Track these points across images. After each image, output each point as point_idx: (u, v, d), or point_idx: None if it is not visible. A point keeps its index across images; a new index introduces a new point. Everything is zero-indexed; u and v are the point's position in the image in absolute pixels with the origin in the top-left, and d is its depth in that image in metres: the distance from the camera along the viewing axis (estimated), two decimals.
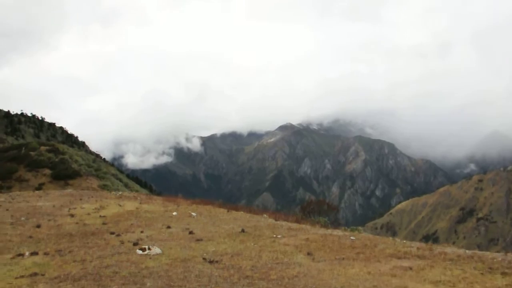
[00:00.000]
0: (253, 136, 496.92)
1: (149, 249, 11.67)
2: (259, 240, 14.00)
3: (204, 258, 11.02)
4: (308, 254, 11.66)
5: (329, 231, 16.90)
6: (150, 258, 11.04)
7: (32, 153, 70.50)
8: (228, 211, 23.69)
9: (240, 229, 16.04)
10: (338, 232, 16.34)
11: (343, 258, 11.10)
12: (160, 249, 11.93)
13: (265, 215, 22.95)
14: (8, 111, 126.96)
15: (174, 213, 22.39)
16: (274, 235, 14.85)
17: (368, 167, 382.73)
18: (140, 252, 11.59)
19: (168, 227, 17.24)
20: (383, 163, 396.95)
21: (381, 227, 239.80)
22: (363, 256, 11.28)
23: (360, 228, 26.93)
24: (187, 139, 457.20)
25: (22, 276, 9.45)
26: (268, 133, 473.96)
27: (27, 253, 12.20)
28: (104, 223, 19.16)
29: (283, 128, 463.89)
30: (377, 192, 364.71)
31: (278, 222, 19.77)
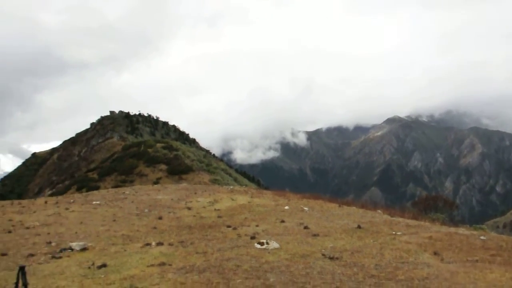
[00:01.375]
0: (359, 129, 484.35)
1: (267, 243, 11.72)
2: (378, 236, 13.39)
3: (323, 254, 10.78)
4: (435, 254, 10.85)
5: (453, 229, 15.66)
6: (269, 252, 11.06)
7: (149, 150, 75.99)
8: (339, 206, 23.17)
9: (355, 225, 15.53)
10: (463, 231, 15.06)
11: (477, 260, 10.12)
12: (278, 243, 11.92)
13: (379, 211, 22.05)
14: (128, 112, 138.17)
15: (286, 207, 22.44)
16: (393, 232, 14.11)
17: (486, 160, 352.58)
18: (258, 246, 11.68)
19: (282, 221, 17.28)
20: (503, 157, 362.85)
21: (504, 226, 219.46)
22: (501, 259, 10.19)
23: (484, 226, 24.77)
24: (293, 134, 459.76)
25: (152, 265, 10.01)
26: (375, 127, 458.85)
27: (153, 243, 12.96)
28: (219, 216, 19.79)
29: (390, 121, 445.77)
30: (498, 188, 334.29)
31: (394, 218, 18.84)
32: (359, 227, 15.11)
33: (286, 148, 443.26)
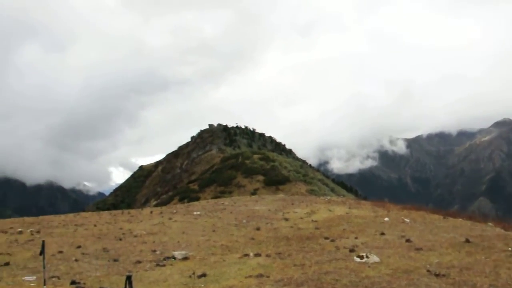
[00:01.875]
0: (463, 135, 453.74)
1: (367, 257, 11.22)
2: (491, 253, 12.19)
3: (428, 271, 10.03)
4: None
5: None
6: (369, 266, 10.57)
7: (247, 161, 77.83)
8: (444, 218, 21.64)
9: (463, 239, 14.31)
10: None
11: None
12: (378, 257, 11.36)
13: (490, 224, 20.20)
14: (226, 125, 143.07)
15: (386, 219, 21.49)
16: (509, 248, 12.76)
17: None
18: (357, 259, 11.23)
19: (382, 233, 16.51)
20: None
21: None
22: None
23: None
24: (391, 142, 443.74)
25: (250, 276, 10.05)
26: (482, 131, 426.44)
27: (251, 254, 13.05)
28: (316, 228, 19.46)
29: (499, 124, 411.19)
30: None
31: (509, 232, 17.10)
32: (467, 241, 13.91)
33: (384, 156, 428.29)
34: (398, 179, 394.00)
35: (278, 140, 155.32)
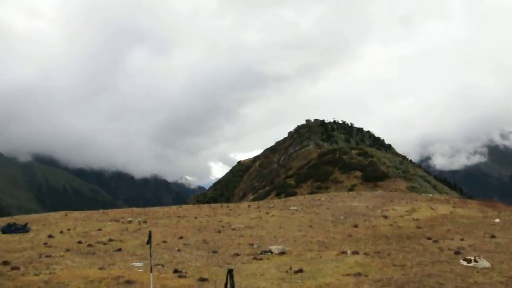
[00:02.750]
0: None
1: (475, 261, 10.39)
2: None
3: None
4: None
5: None
6: (478, 272, 9.77)
7: (344, 156, 76.44)
8: None
9: None
10: None
11: None
12: (488, 262, 10.47)
13: None
14: (323, 120, 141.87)
15: (497, 220, 19.85)
16: None
17: None
18: (464, 263, 10.46)
19: (492, 236, 15.25)
20: None
21: None
22: None
23: None
24: (503, 136, 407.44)
25: (347, 274, 9.82)
26: None
27: (349, 252, 12.78)
28: (418, 227, 18.53)
29: None
30: None
31: None
32: None
33: (495, 152, 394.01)
34: (510, 176, 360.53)
35: (377, 135, 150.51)
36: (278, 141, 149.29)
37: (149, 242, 7.84)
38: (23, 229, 17.60)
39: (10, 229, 17.34)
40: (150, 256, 8.28)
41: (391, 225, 19.47)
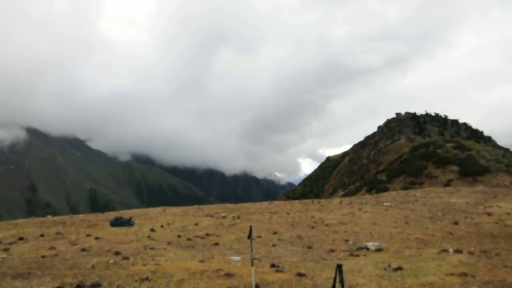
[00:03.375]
0: None
1: None
2: None
3: None
4: None
5: None
6: None
7: (438, 150, 72.46)
8: None
9: None
10: None
11: None
12: None
13: None
14: (415, 113, 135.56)
15: None
16: None
17: None
18: None
19: None
20: None
21: None
22: None
23: None
24: None
25: (452, 274, 9.34)
26: None
27: (450, 250, 12.15)
28: None
29: None
30: None
31: None
32: None
33: None
34: None
35: (474, 127, 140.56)
36: (368, 136, 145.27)
37: (250, 236, 8.05)
38: (128, 222, 18.99)
39: (117, 222, 18.83)
40: (251, 250, 8.51)
41: (496, 222, 18.17)
